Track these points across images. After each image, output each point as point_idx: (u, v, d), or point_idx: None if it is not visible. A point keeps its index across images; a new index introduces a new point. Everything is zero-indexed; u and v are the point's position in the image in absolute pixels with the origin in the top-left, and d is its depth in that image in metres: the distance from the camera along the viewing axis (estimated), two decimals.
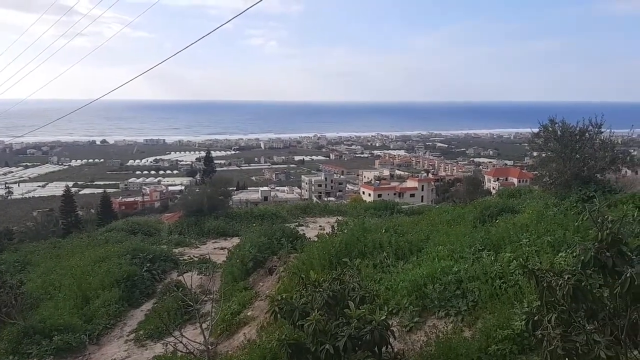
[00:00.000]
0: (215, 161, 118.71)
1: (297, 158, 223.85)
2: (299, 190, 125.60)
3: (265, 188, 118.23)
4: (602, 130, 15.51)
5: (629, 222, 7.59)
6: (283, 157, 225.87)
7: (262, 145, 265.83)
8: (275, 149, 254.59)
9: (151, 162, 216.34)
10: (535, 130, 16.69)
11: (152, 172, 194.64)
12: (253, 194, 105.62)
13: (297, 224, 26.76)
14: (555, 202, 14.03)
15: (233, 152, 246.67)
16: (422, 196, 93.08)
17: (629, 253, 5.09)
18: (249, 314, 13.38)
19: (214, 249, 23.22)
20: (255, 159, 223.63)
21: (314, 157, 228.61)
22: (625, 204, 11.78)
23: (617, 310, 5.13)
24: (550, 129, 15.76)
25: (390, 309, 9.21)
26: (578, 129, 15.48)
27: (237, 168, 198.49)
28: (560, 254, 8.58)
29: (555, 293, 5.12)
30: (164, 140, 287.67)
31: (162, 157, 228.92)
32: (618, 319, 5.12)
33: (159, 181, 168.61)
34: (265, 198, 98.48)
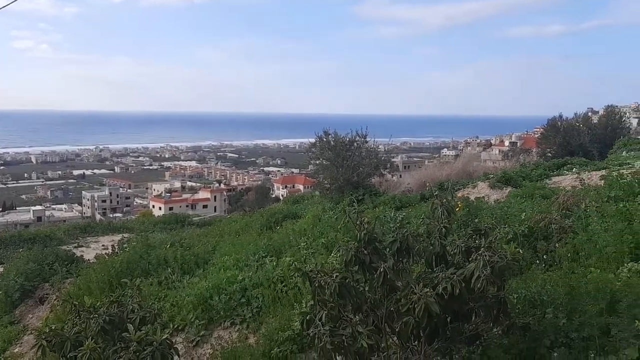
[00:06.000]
0: None
1: (76, 172, 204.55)
2: (80, 208, 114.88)
3: (39, 207, 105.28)
4: (368, 140, 17.43)
5: (387, 221, 8.57)
6: (60, 172, 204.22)
7: (34, 160, 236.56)
8: (50, 163, 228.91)
9: None
10: (313, 140, 17.98)
11: None
12: (23, 215, 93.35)
13: (75, 245, 24.45)
14: (331, 206, 15.24)
15: None
16: (215, 206, 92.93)
17: (384, 250, 5.72)
18: (15, 350, 11.90)
19: None
20: (26, 174, 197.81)
21: (97, 171, 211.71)
22: (387, 205, 13.36)
23: (376, 302, 5.73)
24: (325, 139, 17.15)
25: (175, 325, 8.98)
26: (348, 139, 17.13)
27: (3, 186, 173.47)
28: (332, 255, 9.31)
29: (325, 291, 5.51)
30: None
31: None
32: (378, 310, 5.71)
33: None
34: (39, 219, 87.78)
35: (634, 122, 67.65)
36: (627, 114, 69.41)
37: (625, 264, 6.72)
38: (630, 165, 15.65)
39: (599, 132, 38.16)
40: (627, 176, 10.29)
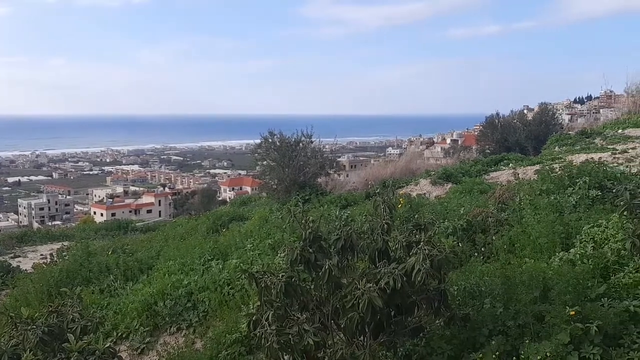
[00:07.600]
0: None
1: (11, 179, 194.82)
2: (15, 217, 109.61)
3: None
4: (313, 140, 17.55)
5: (332, 220, 8.67)
6: None
7: None
8: None
9: None
10: (258, 141, 17.92)
11: None
12: None
13: (11, 255, 23.39)
14: (278, 207, 15.24)
15: None
16: (160, 211, 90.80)
17: (329, 248, 5.79)
18: None
19: None
20: None
21: (33, 178, 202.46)
22: (333, 204, 13.49)
23: (322, 299, 5.79)
24: (270, 140, 17.13)
25: (119, 333, 8.77)
26: (293, 139, 17.19)
27: None
28: (279, 255, 9.33)
29: (271, 292, 5.52)
30: None
31: None
32: (324, 307, 5.78)
33: None
34: None
35: (566, 118, 70.93)
36: (560, 110, 72.62)
37: (557, 254, 7.08)
38: (562, 160, 16.44)
39: (533, 129, 39.67)
40: (559, 170, 10.81)
